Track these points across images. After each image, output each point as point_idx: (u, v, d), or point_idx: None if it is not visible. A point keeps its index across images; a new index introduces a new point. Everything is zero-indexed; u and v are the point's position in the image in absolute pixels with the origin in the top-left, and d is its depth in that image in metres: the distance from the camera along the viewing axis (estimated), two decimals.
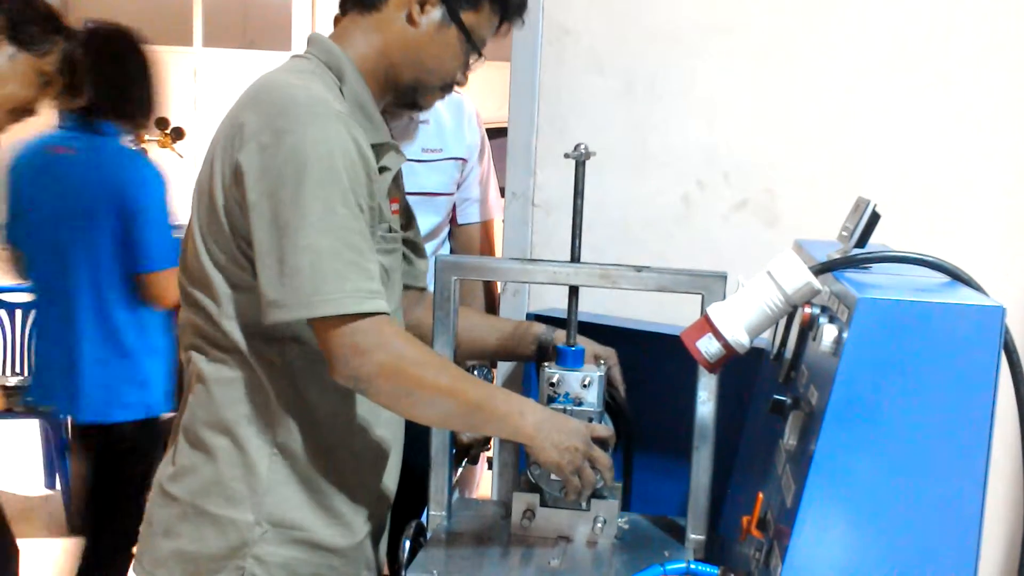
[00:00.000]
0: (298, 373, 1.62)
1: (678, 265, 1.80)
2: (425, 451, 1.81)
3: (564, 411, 1.74)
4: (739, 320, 1.42)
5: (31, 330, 3.43)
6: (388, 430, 1.74)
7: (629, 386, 1.88)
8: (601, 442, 1.71)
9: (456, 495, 1.93)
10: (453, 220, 2.69)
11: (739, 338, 1.42)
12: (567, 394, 1.75)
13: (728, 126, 2.23)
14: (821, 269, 1.42)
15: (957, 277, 1.38)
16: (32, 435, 4.83)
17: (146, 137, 4.83)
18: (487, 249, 2.80)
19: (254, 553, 1.62)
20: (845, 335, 1.27)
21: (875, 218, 1.46)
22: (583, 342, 1.81)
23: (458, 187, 2.63)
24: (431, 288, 1.83)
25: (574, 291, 1.78)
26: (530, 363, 2.12)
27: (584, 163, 1.73)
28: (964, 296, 1.31)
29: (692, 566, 1.54)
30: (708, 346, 1.43)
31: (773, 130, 2.21)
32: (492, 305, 2.71)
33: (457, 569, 1.68)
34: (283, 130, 1.51)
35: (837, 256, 1.47)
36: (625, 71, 2.28)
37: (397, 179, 1.79)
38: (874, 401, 1.26)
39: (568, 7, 2.31)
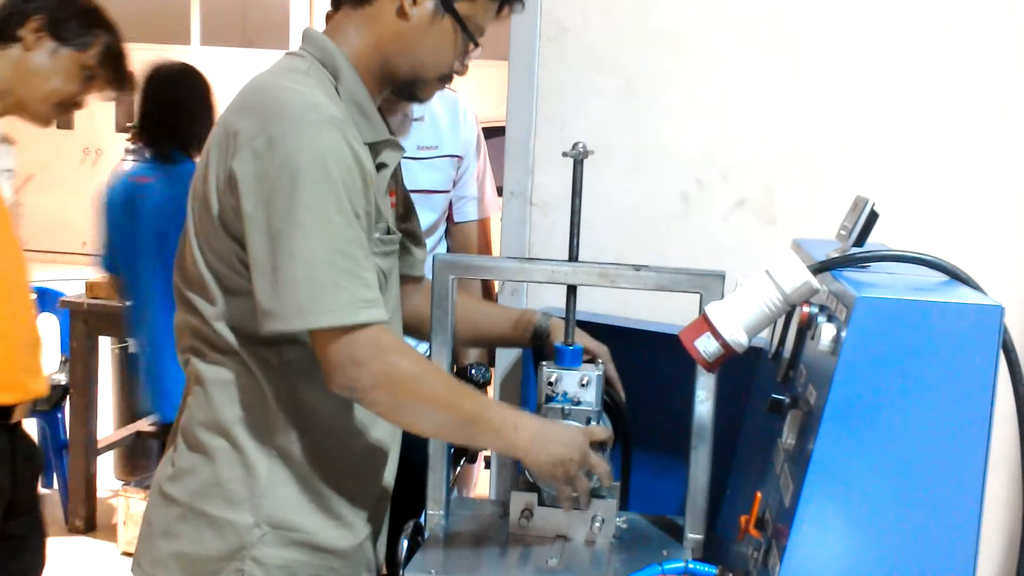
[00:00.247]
0: (296, 374, 1.62)
1: (676, 264, 1.80)
2: (423, 450, 1.81)
3: (562, 411, 1.73)
4: (737, 319, 1.41)
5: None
6: (387, 430, 1.74)
7: (627, 385, 1.88)
8: (600, 444, 1.71)
9: (454, 494, 1.92)
10: (450, 218, 2.69)
11: (737, 337, 1.41)
12: (565, 393, 1.75)
13: (727, 125, 2.23)
14: (819, 268, 1.42)
15: (956, 276, 1.38)
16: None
17: None
18: (484, 247, 2.80)
19: (253, 555, 1.62)
20: (843, 334, 1.27)
21: (873, 217, 1.46)
22: (576, 337, 1.81)
23: (454, 185, 2.63)
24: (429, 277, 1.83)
25: (572, 290, 1.77)
26: (528, 361, 2.12)
27: (582, 162, 1.73)
28: (963, 295, 1.30)
29: (690, 565, 1.54)
30: (706, 345, 1.43)
31: (772, 129, 2.21)
32: None
33: (455, 568, 1.67)
34: (276, 137, 1.50)
35: (835, 255, 1.47)
36: (624, 69, 2.28)
37: (395, 172, 1.78)
38: (873, 400, 1.26)
39: (566, 5, 2.30)
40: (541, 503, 1.77)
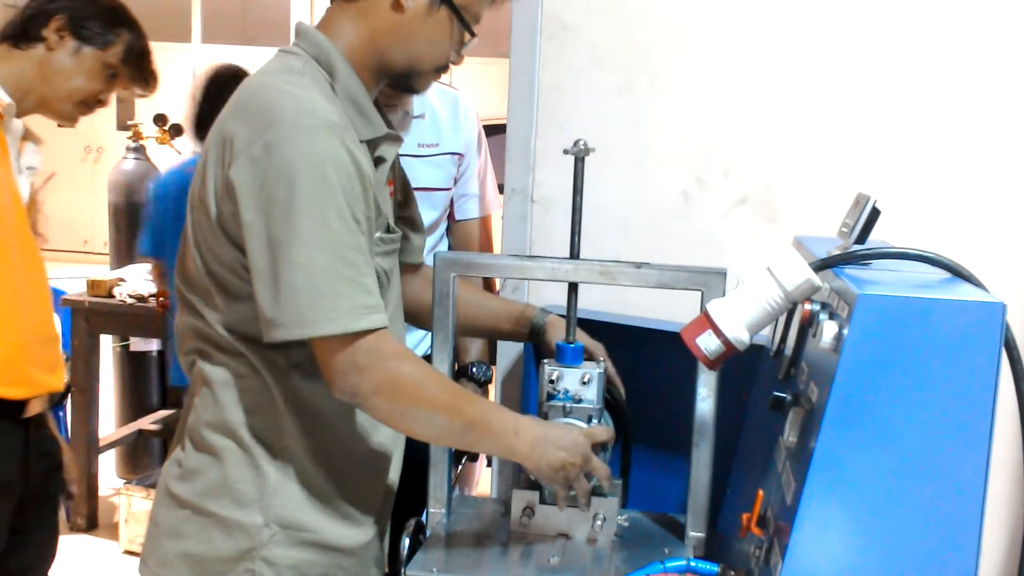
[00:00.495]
0: (304, 375, 1.61)
1: (678, 262, 1.79)
2: (425, 449, 1.81)
3: (563, 409, 1.73)
4: (739, 317, 1.41)
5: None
6: (391, 429, 1.74)
7: (628, 383, 1.88)
8: (601, 445, 1.71)
9: (456, 492, 1.92)
10: (451, 216, 2.69)
11: (739, 335, 1.41)
12: (567, 391, 1.74)
13: (728, 122, 2.23)
14: (821, 265, 1.42)
15: (957, 273, 1.38)
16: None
17: (145, 134, 4.85)
18: (485, 244, 2.80)
19: (263, 555, 1.62)
20: (845, 332, 1.26)
21: (875, 214, 1.45)
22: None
23: (455, 182, 2.62)
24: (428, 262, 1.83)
25: (573, 288, 1.77)
26: (529, 359, 2.12)
27: (583, 159, 1.73)
28: (964, 292, 1.30)
29: (692, 563, 1.54)
30: (708, 343, 1.43)
31: (773, 126, 2.20)
32: None
33: (457, 567, 1.67)
34: (273, 144, 1.49)
35: (837, 252, 1.46)
36: (624, 67, 2.28)
37: (393, 163, 1.77)
38: (874, 398, 1.25)
39: (568, 3, 2.30)
40: (543, 501, 1.77)
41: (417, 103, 2.49)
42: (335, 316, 1.48)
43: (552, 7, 2.31)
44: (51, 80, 2.23)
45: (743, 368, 1.67)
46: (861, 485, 1.27)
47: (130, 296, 4.29)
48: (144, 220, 4.00)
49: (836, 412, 1.26)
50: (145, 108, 6.77)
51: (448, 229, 2.69)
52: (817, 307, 1.37)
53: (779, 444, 1.46)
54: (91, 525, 4.40)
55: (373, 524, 1.73)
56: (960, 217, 2.12)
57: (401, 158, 2.37)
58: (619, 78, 2.29)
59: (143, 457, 4.89)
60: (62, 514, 2.56)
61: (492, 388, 2.48)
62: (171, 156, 4.96)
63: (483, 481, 3.56)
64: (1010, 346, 1.29)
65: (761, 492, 1.47)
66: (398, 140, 1.73)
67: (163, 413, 4.78)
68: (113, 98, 2.39)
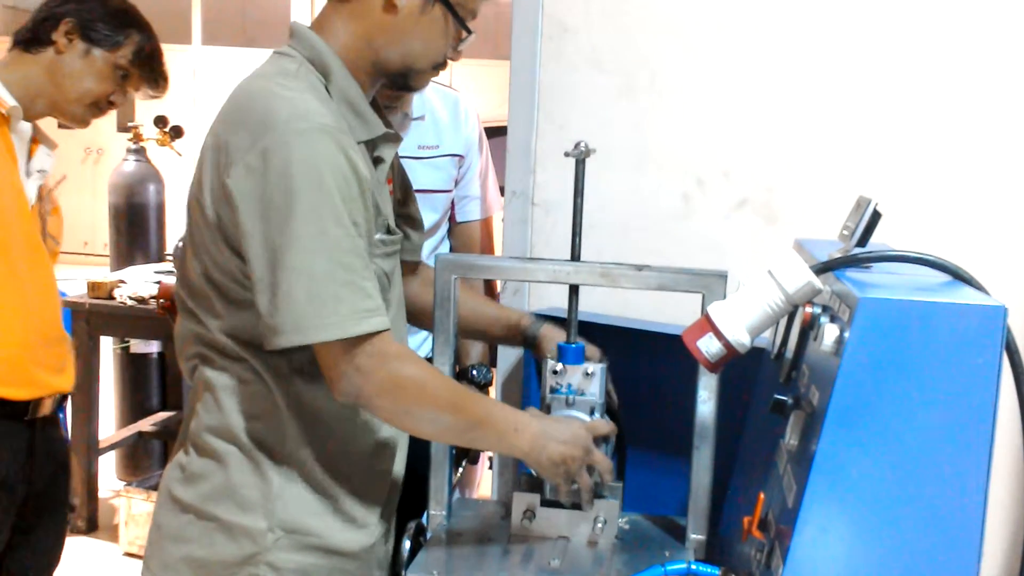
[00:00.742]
0: (307, 379, 1.62)
1: (678, 264, 1.79)
2: (426, 451, 1.81)
3: (566, 400, 1.73)
4: (740, 320, 1.41)
5: None
6: (394, 430, 1.74)
7: (629, 386, 1.88)
8: (603, 439, 1.71)
9: (456, 495, 1.92)
10: (452, 218, 2.69)
11: (740, 338, 1.41)
12: (570, 385, 1.75)
13: (728, 124, 2.23)
14: (822, 268, 1.42)
15: (959, 276, 1.38)
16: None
17: (145, 136, 4.85)
18: (487, 246, 2.80)
19: (267, 560, 1.62)
20: (846, 335, 1.26)
21: (876, 217, 1.45)
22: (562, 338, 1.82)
23: (456, 184, 2.62)
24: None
25: (574, 290, 1.77)
26: (530, 361, 2.12)
27: (584, 161, 1.73)
28: (966, 296, 1.30)
29: (693, 566, 1.54)
30: (709, 346, 1.43)
31: (773, 128, 2.20)
32: None
33: (457, 569, 1.68)
34: (269, 150, 1.48)
35: (838, 255, 1.46)
36: (625, 69, 2.28)
37: (392, 161, 1.76)
38: (876, 401, 1.25)
39: (568, 4, 2.30)
40: (543, 504, 1.77)
41: (417, 105, 2.49)
42: (335, 321, 1.49)
43: (552, 9, 2.31)
44: (61, 83, 2.25)
45: (744, 370, 1.66)
46: (862, 488, 1.27)
47: (130, 298, 4.28)
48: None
49: (837, 415, 1.26)
50: (145, 110, 6.78)
51: (449, 231, 2.69)
52: (818, 310, 1.37)
53: (780, 447, 1.46)
54: (91, 527, 4.40)
55: (377, 526, 1.73)
56: (961, 220, 2.11)
57: (401, 160, 2.37)
58: (619, 80, 2.28)
59: (143, 459, 4.89)
60: None
61: (492, 390, 2.48)
62: (171, 157, 4.96)
63: (485, 484, 3.56)
64: (1011, 349, 1.29)
65: (762, 495, 1.47)
66: (396, 139, 1.72)
67: (163, 415, 4.79)
68: (146, 98, 2.42)
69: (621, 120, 2.29)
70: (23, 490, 2.29)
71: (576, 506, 1.75)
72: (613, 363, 1.83)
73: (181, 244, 1.72)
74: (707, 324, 1.43)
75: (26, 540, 2.34)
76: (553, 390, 1.75)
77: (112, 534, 4.37)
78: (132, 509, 4.22)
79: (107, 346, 4.78)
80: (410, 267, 1.92)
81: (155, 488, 4.20)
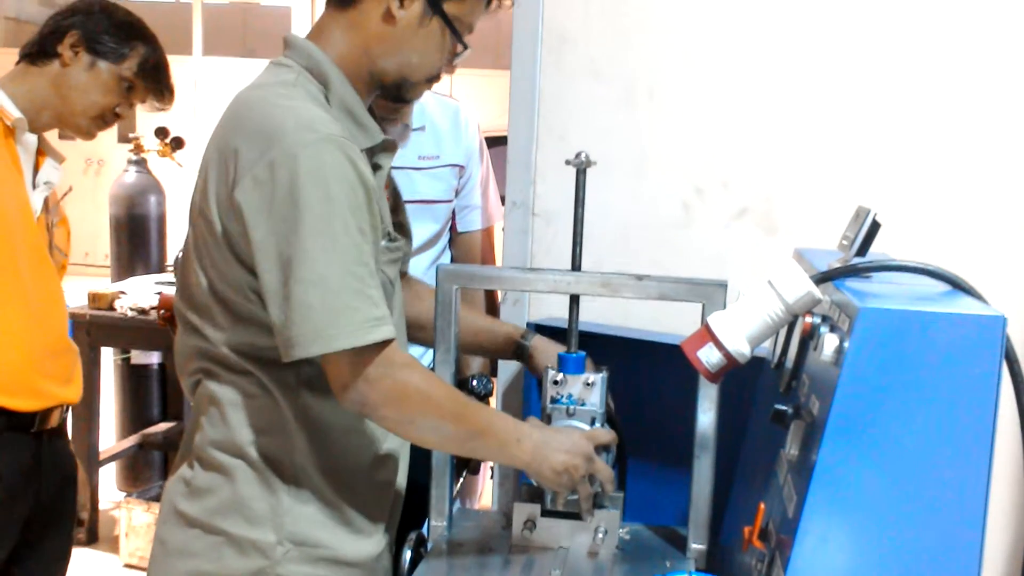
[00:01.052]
0: (313, 392, 1.62)
1: (678, 274, 1.80)
2: (427, 462, 1.81)
3: (567, 411, 1.74)
4: (740, 330, 1.41)
5: None
6: (398, 440, 1.75)
7: (629, 395, 1.88)
8: (603, 448, 1.71)
9: (457, 505, 1.92)
10: (453, 228, 2.69)
11: (740, 348, 1.41)
12: (570, 395, 1.75)
13: (728, 134, 2.23)
14: (822, 278, 1.42)
15: (958, 286, 1.38)
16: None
17: (146, 147, 4.85)
18: (489, 256, 2.80)
19: (278, 573, 1.62)
20: (846, 345, 1.27)
21: (875, 227, 1.46)
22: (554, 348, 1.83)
23: (456, 194, 2.63)
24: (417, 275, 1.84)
25: (575, 300, 1.78)
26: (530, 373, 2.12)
27: (585, 171, 1.73)
28: (965, 305, 1.30)
29: None
30: (709, 356, 1.43)
31: (773, 138, 2.21)
32: (493, 313, 2.70)
33: None
34: (276, 162, 1.49)
35: (838, 265, 1.46)
36: (625, 79, 2.28)
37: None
38: (876, 411, 1.26)
39: (567, 15, 2.30)
40: (544, 514, 1.77)
41: (417, 115, 2.49)
42: (350, 331, 1.49)
43: (552, 19, 2.32)
44: (66, 95, 2.26)
45: (744, 380, 1.66)
46: (863, 498, 1.27)
47: (131, 309, 4.29)
48: None
49: (837, 425, 1.26)
50: (146, 121, 6.78)
51: (451, 241, 2.69)
52: (818, 320, 1.37)
53: (780, 457, 1.46)
54: (91, 539, 4.39)
55: (384, 535, 1.74)
56: (960, 230, 2.12)
57: (402, 171, 2.37)
58: (619, 90, 2.29)
59: (144, 470, 4.89)
60: None
61: (493, 401, 2.48)
62: (172, 168, 4.97)
63: (486, 494, 3.55)
64: (1010, 359, 1.29)
65: (763, 505, 1.47)
66: (393, 147, 1.73)
67: (164, 426, 4.78)
68: (152, 110, 2.43)
69: (621, 130, 2.29)
70: (30, 502, 2.29)
71: (577, 515, 1.75)
72: (613, 373, 1.83)
73: (181, 256, 1.72)
74: (707, 334, 1.43)
75: (32, 553, 2.34)
76: (554, 400, 1.76)
77: (112, 545, 4.36)
78: (133, 520, 4.22)
79: (108, 357, 4.78)
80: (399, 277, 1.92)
81: (156, 499, 4.21)
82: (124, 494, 4.57)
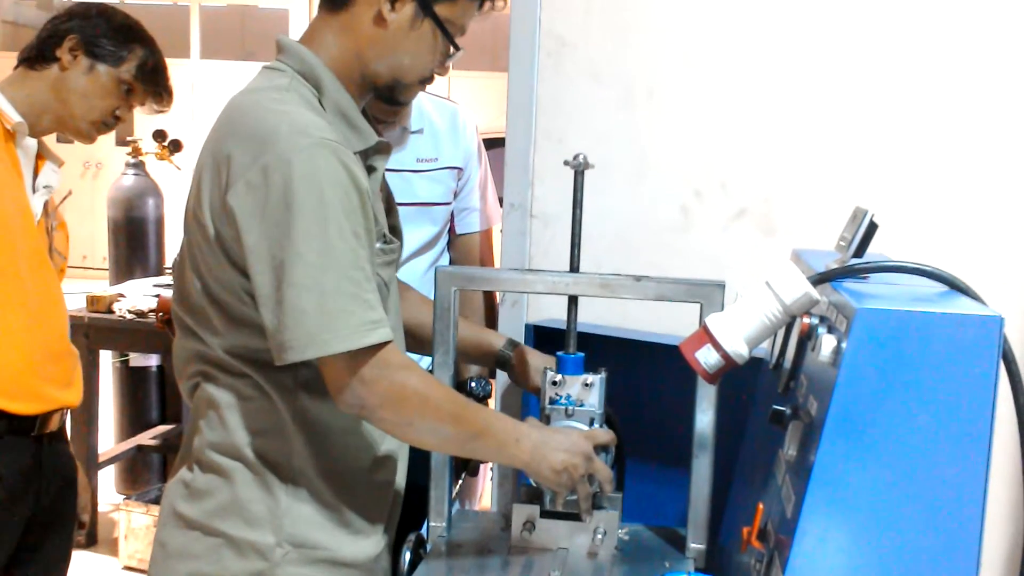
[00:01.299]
0: (311, 394, 1.62)
1: (676, 275, 1.80)
2: (426, 463, 1.81)
3: (566, 411, 1.74)
4: (738, 331, 1.42)
5: None
6: (396, 441, 1.75)
7: (628, 396, 1.88)
8: (603, 448, 1.72)
9: (456, 506, 1.93)
10: (452, 230, 2.69)
11: (738, 349, 1.42)
12: (568, 396, 1.75)
13: (726, 135, 2.23)
14: (819, 279, 1.42)
15: (955, 287, 1.38)
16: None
17: (144, 150, 4.86)
18: (487, 257, 2.80)
19: (276, 574, 1.62)
20: (844, 345, 1.27)
21: (873, 228, 1.46)
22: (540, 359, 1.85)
23: (455, 196, 2.63)
24: (418, 285, 1.85)
25: (573, 301, 1.78)
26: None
27: (583, 173, 1.74)
28: (962, 306, 1.31)
29: None
30: (707, 357, 1.43)
31: (771, 139, 2.21)
32: (492, 315, 2.71)
33: None
34: (270, 167, 1.49)
35: (835, 266, 1.47)
36: (623, 81, 2.29)
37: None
38: (874, 411, 1.26)
39: (565, 18, 2.31)
40: (543, 515, 1.77)
41: (415, 118, 2.49)
42: (345, 335, 1.49)
43: (550, 22, 2.32)
44: (66, 99, 2.27)
45: (742, 381, 1.67)
46: (861, 498, 1.27)
47: (130, 312, 4.29)
48: None
49: (836, 425, 1.27)
50: (144, 124, 6.79)
51: (449, 243, 2.70)
52: (816, 321, 1.37)
53: (779, 457, 1.46)
54: (90, 541, 4.39)
55: (383, 536, 1.74)
56: (958, 230, 2.12)
57: (400, 173, 2.37)
58: (617, 92, 2.29)
59: (143, 472, 4.89)
60: None
61: (491, 403, 2.48)
62: (170, 171, 4.97)
63: (484, 496, 3.55)
64: (1008, 359, 1.29)
65: (761, 505, 1.47)
66: (388, 149, 1.73)
67: (163, 428, 4.78)
68: (151, 113, 2.44)
69: (619, 132, 2.29)
70: (31, 505, 2.29)
71: (576, 516, 1.75)
72: (611, 374, 1.83)
73: (178, 260, 1.72)
74: (705, 335, 1.43)
75: (32, 556, 2.34)
76: (552, 401, 1.76)
77: (112, 548, 4.36)
78: (132, 523, 4.22)
79: (106, 360, 4.78)
80: None
81: (155, 502, 4.21)
82: (123, 497, 4.57)
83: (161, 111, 2.42)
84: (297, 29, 10.54)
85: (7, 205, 2.18)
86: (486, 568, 1.74)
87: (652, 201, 2.29)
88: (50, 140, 2.38)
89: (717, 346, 1.42)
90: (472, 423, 1.62)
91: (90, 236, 10.27)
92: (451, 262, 2.70)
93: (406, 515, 1.85)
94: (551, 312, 2.30)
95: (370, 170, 1.67)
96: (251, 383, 1.62)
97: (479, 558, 1.77)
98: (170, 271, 4.65)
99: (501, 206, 2.61)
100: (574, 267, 1.76)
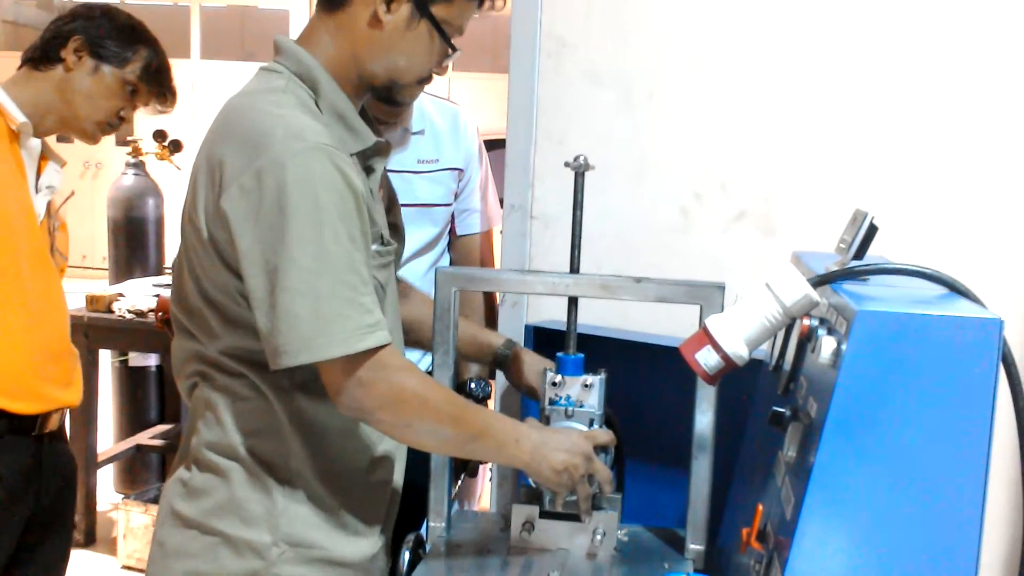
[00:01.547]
0: (308, 395, 1.62)
1: (677, 276, 1.80)
2: (425, 463, 1.81)
3: (565, 412, 1.74)
4: (738, 333, 1.42)
5: None
6: (394, 443, 1.75)
7: (627, 398, 1.88)
8: (602, 448, 1.72)
9: (455, 507, 1.93)
10: (452, 231, 2.69)
11: (738, 351, 1.42)
12: (568, 397, 1.75)
13: (726, 137, 2.24)
14: (819, 281, 1.43)
15: (955, 289, 1.39)
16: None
17: (144, 150, 4.86)
18: (488, 258, 2.80)
19: (273, 573, 1.62)
20: (844, 347, 1.27)
21: (873, 230, 1.46)
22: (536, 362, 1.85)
23: (456, 197, 2.63)
24: (418, 286, 1.84)
25: (573, 302, 1.78)
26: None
27: (584, 174, 1.74)
28: (962, 308, 1.31)
29: None
30: (707, 358, 1.43)
31: (771, 141, 2.21)
32: (492, 316, 2.71)
33: None
34: (264, 170, 1.49)
35: (835, 268, 1.47)
36: (623, 83, 2.29)
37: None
38: (873, 413, 1.26)
39: (566, 19, 2.31)
40: (543, 516, 1.77)
41: (416, 119, 2.50)
42: (341, 339, 1.49)
43: (551, 23, 2.32)
44: (70, 100, 2.27)
45: (742, 382, 1.67)
46: (860, 500, 1.27)
47: (129, 311, 4.29)
48: None
49: (835, 427, 1.27)
50: (144, 124, 6.78)
51: (450, 244, 2.70)
52: (815, 322, 1.37)
53: (778, 459, 1.47)
54: (89, 540, 4.39)
55: (380, 536, 1.74)
56: (958, 233, 2.12)
57: (401, 174, 2.37)
58: (618, 94, 2.30)
59: (141, 472, 4.89)
60: None
61: (491, 404, 2.48)
62: (170, 171, 4.97)
63: (485, 496, 3.56)
64: (1007, 361, 1.29)
65: (761, 506, 1.48)
66: (387, 150, 1.73)
67: (162, 427, 4.78)
68: (155, 113, 2.44)
69: (619, 134, 2.30)
70: (30, 505, 2.29)
71: (575, 517, 1.75)
72: (611, 375, 1.84)
73: (177, 261, 1.72)
74: (705, 337, 1.44)
75: (32, 555, 2.34)
76: (552, 402, 1.76)
77: (110, 547, 4.36)
78: (130, 522, 4.22)
79: (106, 359, 4.77)
80: None
81: (153, 501, 4.21)
82: (122, 496, 4.57)
83: (164, 111, 2.43)
84: (297, 30, 10.50)
85: (11, 205, 2.18)
86: (485, 568, 1.74)
87: (652, 202, 2.29)
88: (50, 140, 2.38)
89: (717, 347, 1.42)
90: (471, 424, 1.62)
91: (90, 236, 10.27)
92: (451, 263, 2.70)
93: (405, 515, 1.85)
94: (551, 313, 2.30)
95: (368, 171, 1.67)
96: (248, 384, 1.62)
97: (478, 558, 1.77)
98: (170, 271, 4.63)
99: (501, 207, 2.61)
100: (574, 268, 1.76)
